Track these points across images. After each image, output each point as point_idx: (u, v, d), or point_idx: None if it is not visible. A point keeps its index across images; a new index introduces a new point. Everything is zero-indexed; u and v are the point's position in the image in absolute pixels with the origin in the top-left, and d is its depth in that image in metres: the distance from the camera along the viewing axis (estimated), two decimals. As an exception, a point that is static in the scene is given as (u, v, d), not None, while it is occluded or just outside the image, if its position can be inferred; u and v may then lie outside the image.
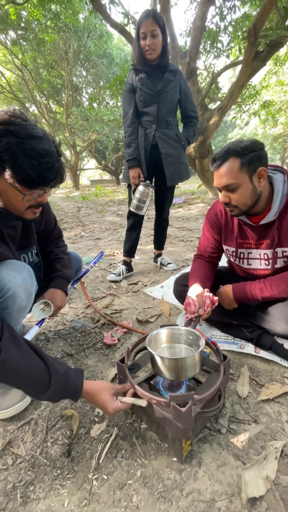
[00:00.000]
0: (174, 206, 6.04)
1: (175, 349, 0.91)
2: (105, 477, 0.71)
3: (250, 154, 0.96)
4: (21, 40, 9.46)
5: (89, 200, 8.47)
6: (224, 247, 1.26)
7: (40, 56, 10.78)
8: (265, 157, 0.99)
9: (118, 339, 1.30)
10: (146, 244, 3.07)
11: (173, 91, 1.77)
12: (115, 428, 0.85)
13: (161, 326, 0.96)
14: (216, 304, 1.05)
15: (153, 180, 2.03)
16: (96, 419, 0.89)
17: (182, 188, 11.44)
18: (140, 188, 1.84)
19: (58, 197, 10.49)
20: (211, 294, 1.05)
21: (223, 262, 1.42)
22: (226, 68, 6.55)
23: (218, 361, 0.86)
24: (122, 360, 0.85)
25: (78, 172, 16.09)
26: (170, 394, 0.70)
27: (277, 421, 0.84)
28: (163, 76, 1.74)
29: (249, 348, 1.15)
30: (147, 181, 1.86)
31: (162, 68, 1.74)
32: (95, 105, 13.82)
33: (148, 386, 0.82)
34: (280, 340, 1.09)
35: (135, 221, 2.04)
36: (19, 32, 9.01)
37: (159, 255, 2.31)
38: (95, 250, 2.90)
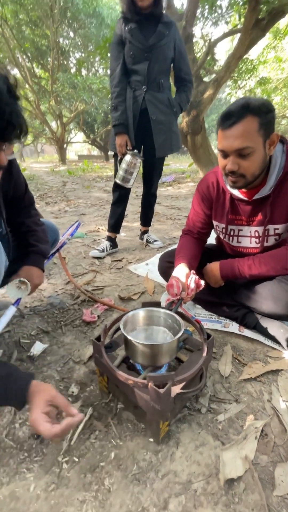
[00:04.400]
0: (164, 184, 5.87)
1: (152, 332, 0.85)
2: (76, 459, 0.67)
3: (269, 115, 0.83)
4: (0, -10, 8.45)
5: (75, 175, 8.10)
6: (214, 223, 1.18)
7: (22, 11, 9.71)
8: (274, 121, 0.88)
9: (98, 316, 1.24)
10: (133, 221, 2.96)
11: (166, 47, 1.59)
12: (90, 408, 0.80)
13: (143, 304, 0.90)
14: (202, 288, 0.99)
15: (142, 150, 1.89)
16: (70, 398, 0.83)
17: (173, 166, 11.14)
18: (127, 158, 1.71)
19: (43, 171, 9.98)
20: (197, 277, 0.98)
21: (211, 240, 1.35)
22: (224, 36, 6.15)
23: (202, 340, 0.81)
24: (99, 338, 0.78)
25: (65, 145, 15.28)
26: (148, 374, 0.64)
27: (258, 400, 0.82)
28: (156, 29, 1.55)
29: (233, 327, 1.11)
30: (135, 151, 1.72)
31: (155, 18, 1.55)
32: (83, 71, 12.86)
33: (127, 366, 0.77)
34: (264, 323, 1.06)
35: (121, 195, 1.91)
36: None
37: (146, 232, 2.22)
38: (79, 226, 2.76)
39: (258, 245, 1.09)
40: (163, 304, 0.96)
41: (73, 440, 0.71)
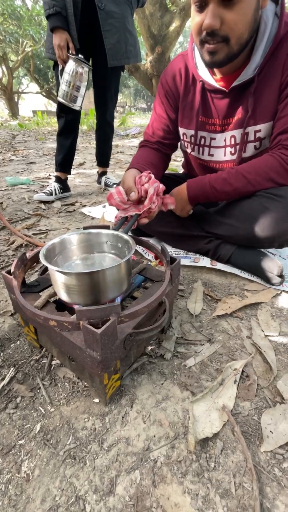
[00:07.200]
0: (128, 136, 5.34)
1: (94, 261, 0.61)
2: (-21, 441, 0.45)
3: None
4: None
5: (28, 128, 7.10)
6: (181, 130, 0.92)
7: None
8: None
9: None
10: (91, 168, 2.58)
11: None
12: (12, 368, 0.57)
13: (84, 229, 0.65)
14: (168, 200, 0.75)
15: (90, 62, 1.49)
16: (-16, 359, 0.59)
17: (138, 121, 10.31)
18: (70, 65, 1.31)
19: (-10, 125, 8.62)
20: (157, 182, 0.72)
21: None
22: None
23: (164, 265, 0.59)
24: (10, 272, 0.52)
25: (15, 98, 13.31)
26: (79, 308, 0.41)
27: (236, 337, 0.65)
28: None
29: (204, 261, 0.92)
30: (80, 55, 1.33)
31: None
32: (29, 2, 10.77)
33: (56, 306, 0.53)
34: (241, 253, 0.88)
35: (68, 122, 1.53)
36: None
37: (103, 173, 1.89)
38: (25, 174, 2.34)
39: (234, 157, 0.86)
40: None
41: (-22, 414, 0.48)
